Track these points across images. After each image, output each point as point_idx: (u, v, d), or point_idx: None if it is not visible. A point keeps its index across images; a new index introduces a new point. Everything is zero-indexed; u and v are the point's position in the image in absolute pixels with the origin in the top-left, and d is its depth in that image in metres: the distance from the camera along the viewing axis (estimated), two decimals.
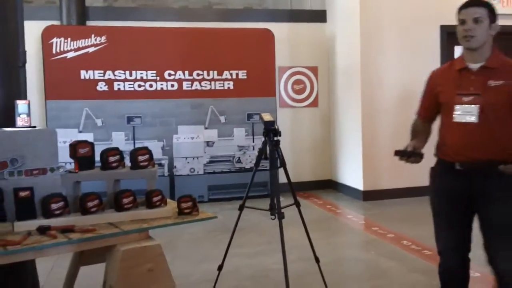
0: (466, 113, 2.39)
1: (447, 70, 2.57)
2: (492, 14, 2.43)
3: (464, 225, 2.50)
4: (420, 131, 2.65)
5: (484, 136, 2.37)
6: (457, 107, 2.42)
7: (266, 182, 5.77)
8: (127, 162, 2.56)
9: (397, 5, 6.47)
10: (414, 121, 2.72)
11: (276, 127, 3.17)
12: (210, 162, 6.71)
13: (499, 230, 2.39)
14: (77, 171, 2.44)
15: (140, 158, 2.48)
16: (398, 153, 2.44)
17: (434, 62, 6.09)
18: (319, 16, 7.45)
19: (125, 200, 2.35)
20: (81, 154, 2.46)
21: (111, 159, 2.46)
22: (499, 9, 6.87)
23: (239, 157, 6.80)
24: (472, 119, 2.37)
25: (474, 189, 2.41)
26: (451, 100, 2.45)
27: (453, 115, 2.42)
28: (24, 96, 2.98)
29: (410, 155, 2.41)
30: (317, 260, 3.19)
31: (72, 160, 2.49)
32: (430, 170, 2.63)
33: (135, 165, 2.48)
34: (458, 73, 2.48)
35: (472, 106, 2.37)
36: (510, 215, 2.38)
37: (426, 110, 2.66)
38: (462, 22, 2.42)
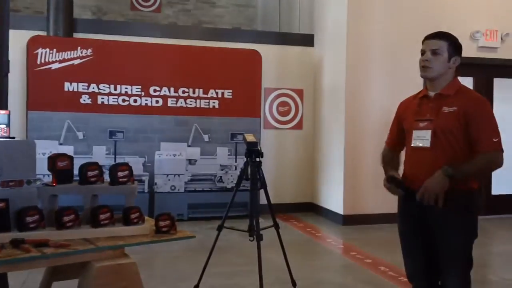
0: (420, 138, 2.49)
1: (412, 99, 2.68)
2: (454, 47, 2.52)
3: (427, 249, 2.53)
4: (389, 159, 2.72)
5: (436, 161, 2.40)
6: (414, 132, 2.53)
7: (246, 203, 5.67)
8: (107, 177, 2.53)
9: (384, 31, 6.60)
10: (384, 149, 2.80)
11: (259, 148, 3.17)
12: (192, 180, 6.67)
13: (447, 257, 2.44)
14: (54, 184, 2.40)
15: (120, 174, 2.45)
16: (393, 180, 2.47)
17: (419, 88, 6.15)
18: (307, 40, 7.55)
19: (102, 216, 2.32)
20: (60, 167, 2.42)
21: (90, 173, 2.42)
22: (482, 42, 7.08)
23: (221, 177, 6.77)
24: (425, 143, 2.46)
25: (427, 217, 2.47)
26: (410, 126, 2.57)
27: (411, 140, 2.53)
28: (5, 106, 2.94)
29: (398, 185, 2.47)
30: (294, 284, 3.17)
31: (50, 173, 2.45)
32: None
33: (115, 180, 2.45)
34: (419, 101, 2.60)
35: (425, 131, 2.47)
36: (457, 245, 2.42)
37: (393, 139, 2.76)
38: (422, 52, 2.54)
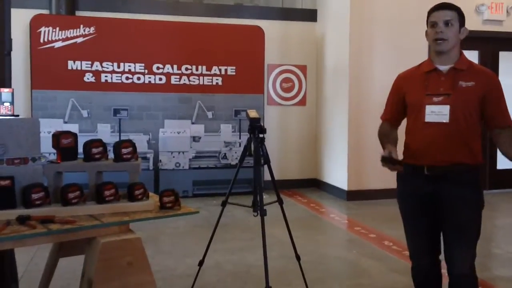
0: (436, 113, 2.41)
1: (414, 72, 2.58)
2: (462, 18, 2.46)
3: (431, 228, 2.53)
4: (389, 136, 2.63)
5: (454, 137, 2.40)
6: (428, 107, 2.42)
7: (250, 179, 5.71)
8: (111, 155, 2.55)
9: (388, 6, 6.51)
10: (381, 126, 2.71)
11: (262, 124, 3.17)
12: (196, 157, 6.70)
13: (459, 230, 2.44)
14: (59, 161, 2.42)
15: (124, 150, 2.47)
16: (385, 159, 2.41)
17: None
18: (310, 15, 7.47)
19: (107, 193, 2.34)
20: (64, 145, 2.44)
21: (94, 150, 2.44)
22: (487, 15, 6.99)
23: (225, 153, 6.80)
24: (444, 119, 2.39)
25: (438, 192, 2.43)
26: (420, 101, 2.46)
27: (425, 116, 2.42)
28: (8, 84, 2.95)
29: (395, 163, 2.40)
30: (298, 258, 3.21)
31: (55, 151, 2.47)
32: (396, 175, 2.63)
33: (118, 157, 2.47)
34: (425, 75, 2.50)
35: (442, 106, 2.40)
36: (469, 216, 2.44)
37: (392, 113, 2.65)
38: (433, 24, 2.43)
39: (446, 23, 2.40)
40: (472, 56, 6.98)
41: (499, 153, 8.02)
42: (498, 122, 2.45)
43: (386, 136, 2.64)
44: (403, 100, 2.57)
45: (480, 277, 3.75)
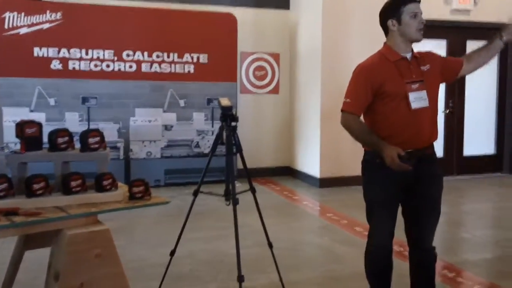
0: (418, 99, 2.51)
1: (381, 62, 2.57)
2: None
3: (396, 211, 2.65)
4: (370, 132, 2.54)
5: (433, 118, 2.60)
6: (411, 94, 2.50)
7: (223, 168, 5.72)
8: (79, 144, 2.48)
9: None
10: (353, 120, 2.54)
11: (234, 112, 3.13)
12: (168, 146, 6.62)
13: (431, 209, 2.61)
14: (23, 151, 2.34)
15: (91, 140, 2.40)
16: (403, 157, 2.36)
17: None
18: (283, 3, 7.43)
19: (73, 183, 2.27)
20: (28, 134, 2.36)
21: (60, 140, 2.36)
22: (456, 4, 7.06)
23: (197, 142, 6.74)
24: (425, 103, 2.52)
25: (417, 172, 2.51)
26: (402, 89, 2.50)
27: (410, 103, 2.49)
28: None
29: (410, 160, 2.39)
30: (270, 245, 3.20)
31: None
32: (365, 163, 2.65)
33: (85, 147, 2.40)
34: (394, 64, 2.55)
35: (421, 91, 2.52)
36: (439, 195, 2.65)
37: (362, 104, 2.55)
38: (415, 15, 2.52)
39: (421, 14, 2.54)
40: (440, 45, 7.08)
41: (465, 140, 8.26)
42: (457, 61, 2.73)
43: (369, 133, 2.53)
44: (376, 90, 2.51)
45: (449, 261, 3.85)
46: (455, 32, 7.11)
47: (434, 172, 2.63)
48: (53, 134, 2.38)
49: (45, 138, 2.41)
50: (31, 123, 2.38)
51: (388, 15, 2.57)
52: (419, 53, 2.65)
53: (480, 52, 2.73)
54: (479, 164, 7.56)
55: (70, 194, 2.27)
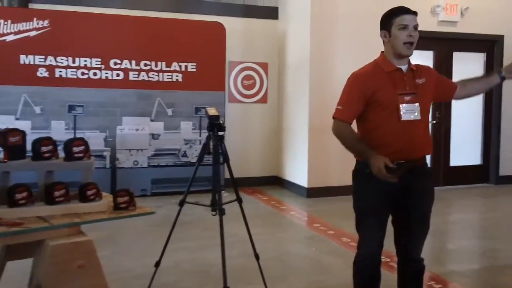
0: (409, 111, 2.50)
1: (375, 71, 2.57)
2: None
3: (386, 221, 2.63)
4: (361, 140, 2.55)
5: (424, 131, 2.59)
6: (402, 106, 2.49)
7: (210, 177, 5.71)
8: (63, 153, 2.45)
9: (349, 3, 6.58)
10: (344, 127, 2.54)
11: (221, 121, 3.12)
12: (155, 155, 6.58)
13: (422, 221, 2.61)
14: (6, 160, 2.30)
15: (75, 149, 2.37)
16: (392, 170, 2.35)
17: None
18: (272, 12, 7.46)
19: (57, 193, 2.24)
20: (12, 143, 2.33)
21: (44, 149, 2.33)
22: (443, 16, 7.16)
23: (185, 151, 6.70)
24: (417, 116, 2.51)
25: (407, 184, 2.51)
26: (394, 99, 2.50)
27: (401, 114, 2.48)
28: None
29: (400, 170, 2.39)
30: (256, 257, 3.18)
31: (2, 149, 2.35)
32: (356, 173, 2.64)
33: (70, 156, 2.37)
34: (388, 75, 2.54)
35: (413, 104, 2.51)
36: (430, 208, 2.64)
37: (354, 113, 2.56)
38: (404, 27, 2.47)
39: (415, 28, 2.49)
40: (427, 56, 7.16)
41: (452, 150, 8.33)
42: (452, 84, 2.76)
43: (359, 141, 2.53)
44: (368, 99, 2.51)
45: (435, 272, 3.85)
46: (442, 43, 7.20)
47: (426, 186, 2.63)
48: (37, 143, 2.35)
49: (28, 147, 2.37)
50: (15, 131, 2.35)
51: (381, 25, 2.57)
52: (417, 66, 2.62)
53: (475, 82, 2.76)
54: (466, 175, 7.62)
55: (53, 204, 2.24)
